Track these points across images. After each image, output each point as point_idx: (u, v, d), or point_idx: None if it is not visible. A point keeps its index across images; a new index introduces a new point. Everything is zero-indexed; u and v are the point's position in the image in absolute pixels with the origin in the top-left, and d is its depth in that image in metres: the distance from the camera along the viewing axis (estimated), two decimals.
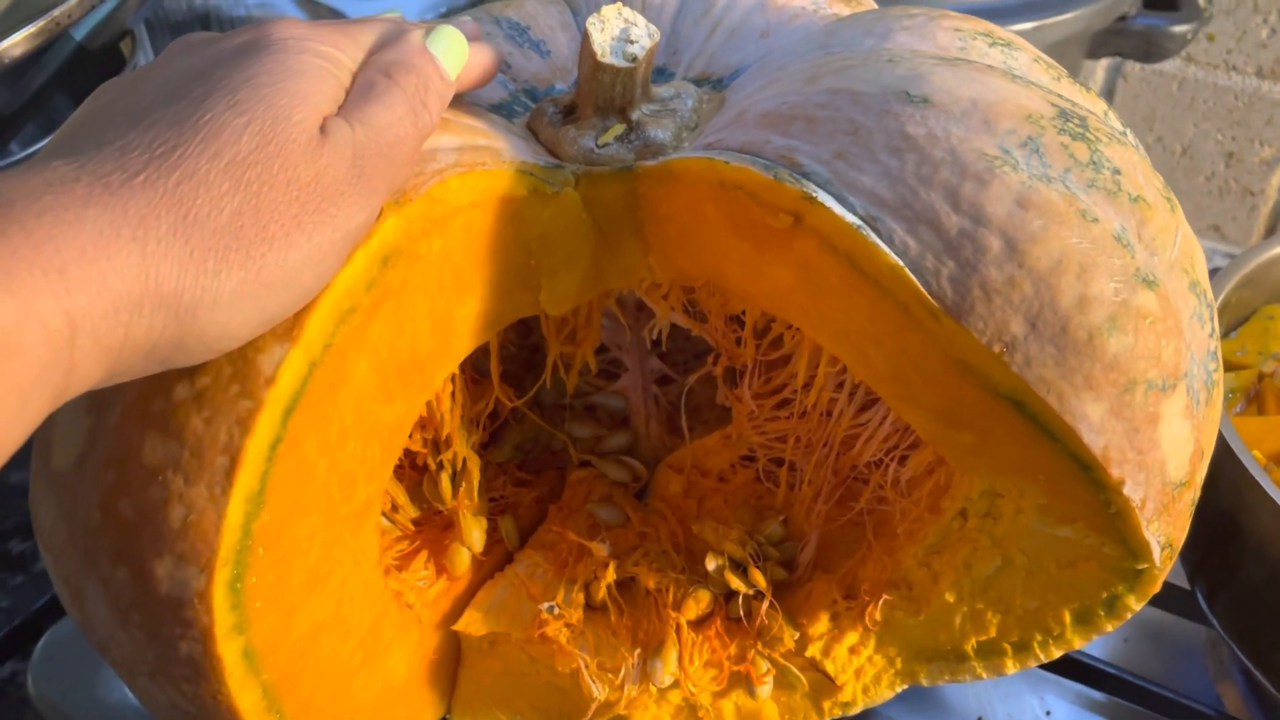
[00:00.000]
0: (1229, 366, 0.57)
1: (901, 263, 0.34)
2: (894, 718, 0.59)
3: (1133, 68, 1.01)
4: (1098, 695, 0.58)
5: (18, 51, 0.57)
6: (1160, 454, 0.36)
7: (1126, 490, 0.35)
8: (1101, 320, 0.34)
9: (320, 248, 0.30)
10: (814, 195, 0.35)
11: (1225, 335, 0.59)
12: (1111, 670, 0.56)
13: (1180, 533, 0.38)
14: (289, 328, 0.32)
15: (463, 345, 0.40)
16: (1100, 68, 1.03)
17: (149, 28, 0.85)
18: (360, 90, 0.33)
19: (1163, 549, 0.38)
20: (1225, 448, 0.47)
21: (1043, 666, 0.58)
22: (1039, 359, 0.34)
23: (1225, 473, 0.48)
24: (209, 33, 0.34)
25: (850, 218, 0.35)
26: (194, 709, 0.35)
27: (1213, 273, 0.57)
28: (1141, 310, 0.34)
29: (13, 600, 0.64)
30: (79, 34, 0.66)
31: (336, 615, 0.38)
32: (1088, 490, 0.36)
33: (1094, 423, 0.34)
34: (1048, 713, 0.58)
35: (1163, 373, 0.35)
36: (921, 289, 0.34)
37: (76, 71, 0.67)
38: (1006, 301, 0.34)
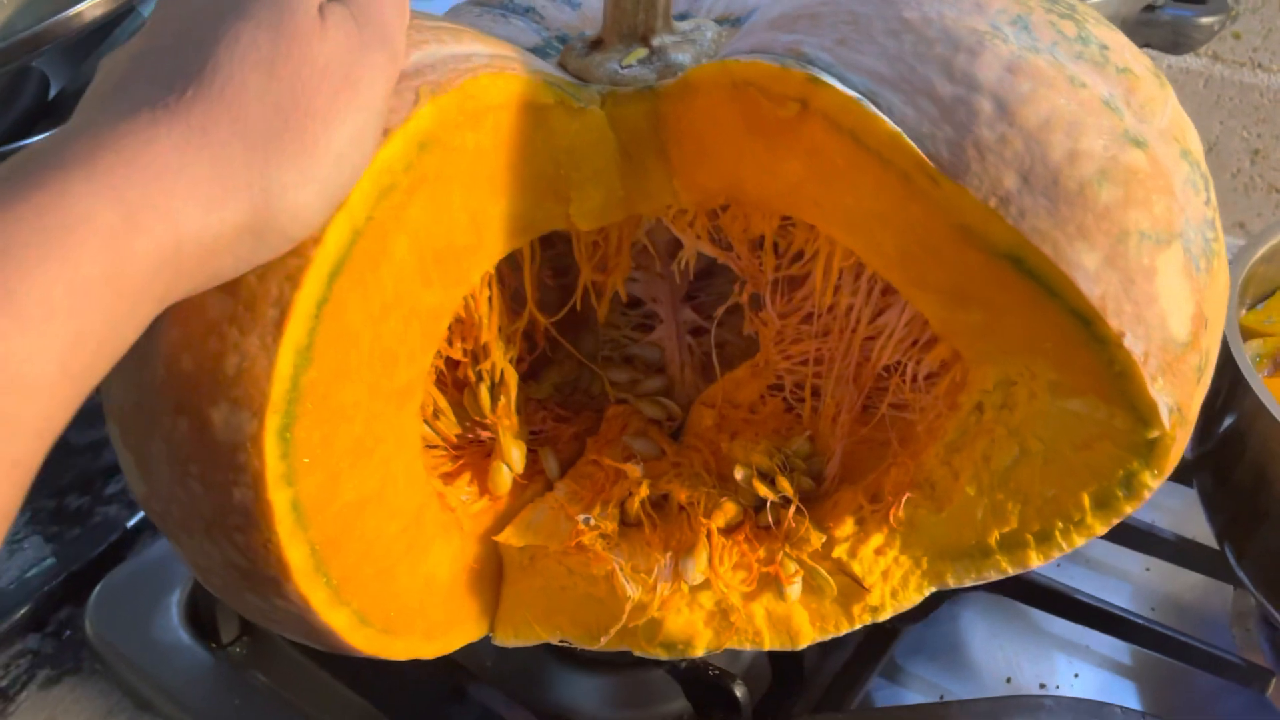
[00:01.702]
0: (1256, 335, 0.59)
1: (900, 130, 0.37)
2: (926, 677, 0.60)
3: (1160, 65, 1.03)
4: (1125, 659, 0.58)
5: (92, 15, 0.59)
6: (1159, 309, 0.37)
7: (1127, 343, 0.37)
8: (1091, 173, 0.36)
9: (355, 122, 0.33)
10: (818, 76, 0.38)
11: (1251, 308, 0.61)
12: (1138, 620, 0.56)
13: (1189, 399, 0.39)
14: None
15: (497, 244, 0.43)
16: None
17: None
18: None
19: (1171, 412, 0.39)
20: (1255, 404, 0.49)
21: (1076, 620, 0.59)
22: (1032, 210, 0.36)
23: (1255, 429, 0.49)
24: None
25: (851, 93, 0.38)
26: (246, 562, 0.38)
27: (1234, 257, 0.59)
28: (1131, 166, 0.36)
29: (69, 550, 0.67)
30: (146, 10, 0.70)
31: (380, 494, 0.41)
32: (1091, 350, 0.38)
33: (1089, 271, 0.36)
34: (1076, 675, 0.58)
35: (1155, 225, 0.36)
36: (920, 153, 0.37)
37: None
38: (999, 158, 0.36)
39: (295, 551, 0.37)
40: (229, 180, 0.30)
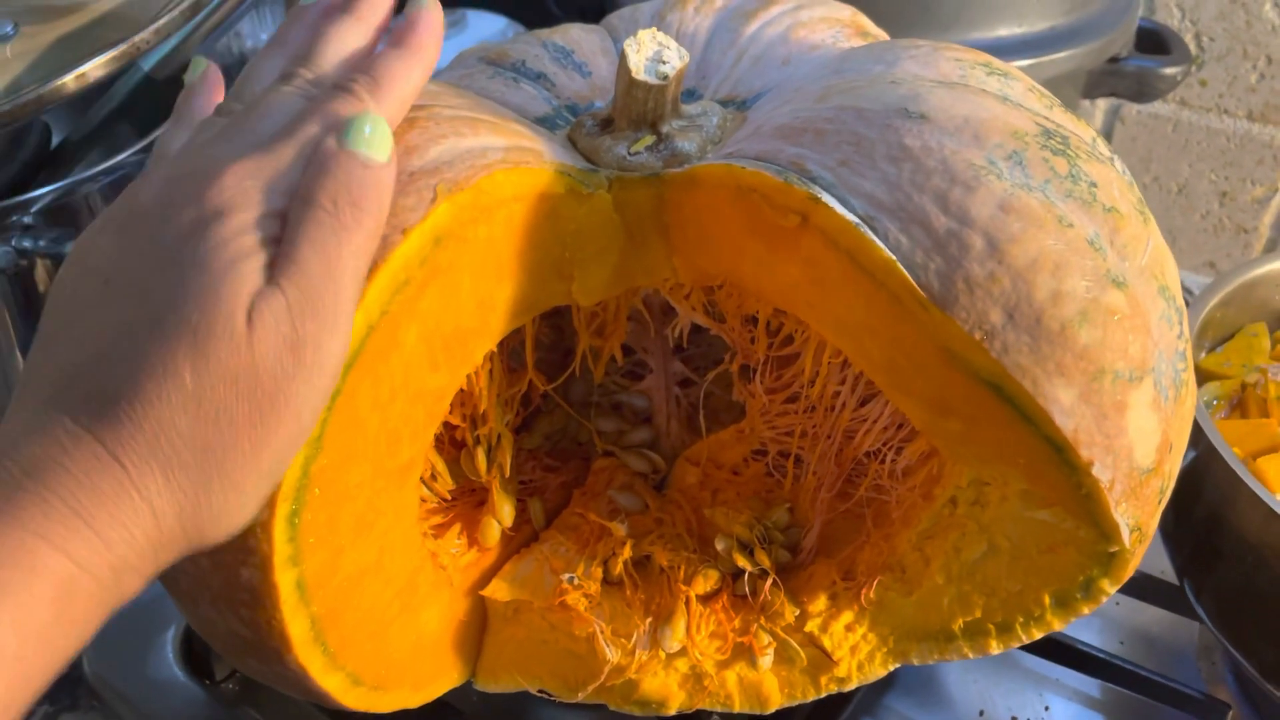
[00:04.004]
0: (1215, 377, 0.61)
1: (895, 257, 0.39)
2: (900, 710, 0.63)
3: (1129, 111, 1.06)
4: (1095, 692, 0.61)
5: (97, 75, 0.60)
6: (1127, 440, 0.39)
7: (1095, 471, 0.39)
8: (1073, 314, 0.38)
9: (285, 436, 0.33)
10: (819, 196, 0.40)
11: (1210, 350, 0.63)
12: (1103, 655, 0.59)
13: (1149, 518, 0.42)
14: None
15: (501, 325, 0.44)
16: (1098, 110, 1.08)
17: None
18: (288, 235, 0.34)
19: (1132, 531, 0.41)
20: (1210, 448, 0.51)
21: (1044, 656, 0.61)
22: (1015, 346, 0.38)
23: (1211, 471, 0.52)
24: (135, 209, 0.35)
25: (851, 217, 0.39)
26: (249, 634, 0.39)
27: (1195, 299, 0.61)
28: (1110, 307, 0.38)
29: None
30: (147, 64, 0.70)
31: (378, 563, 0.43)
32: (1061, 473, 0.40)
33: (1065, 406, 0.38)
34: (1046, 708, 0.61)
35: (1130, 365, 0.38)
36: (912, 281, 0.38)
37: (141, 101, 0.71)
38: (987, 294, 0.38)
39: (297, 626, 0.39)
40: (166, 524, 0.32)
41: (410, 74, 0.38)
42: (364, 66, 0.38)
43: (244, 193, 0.34)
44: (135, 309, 0.33)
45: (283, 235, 0.34)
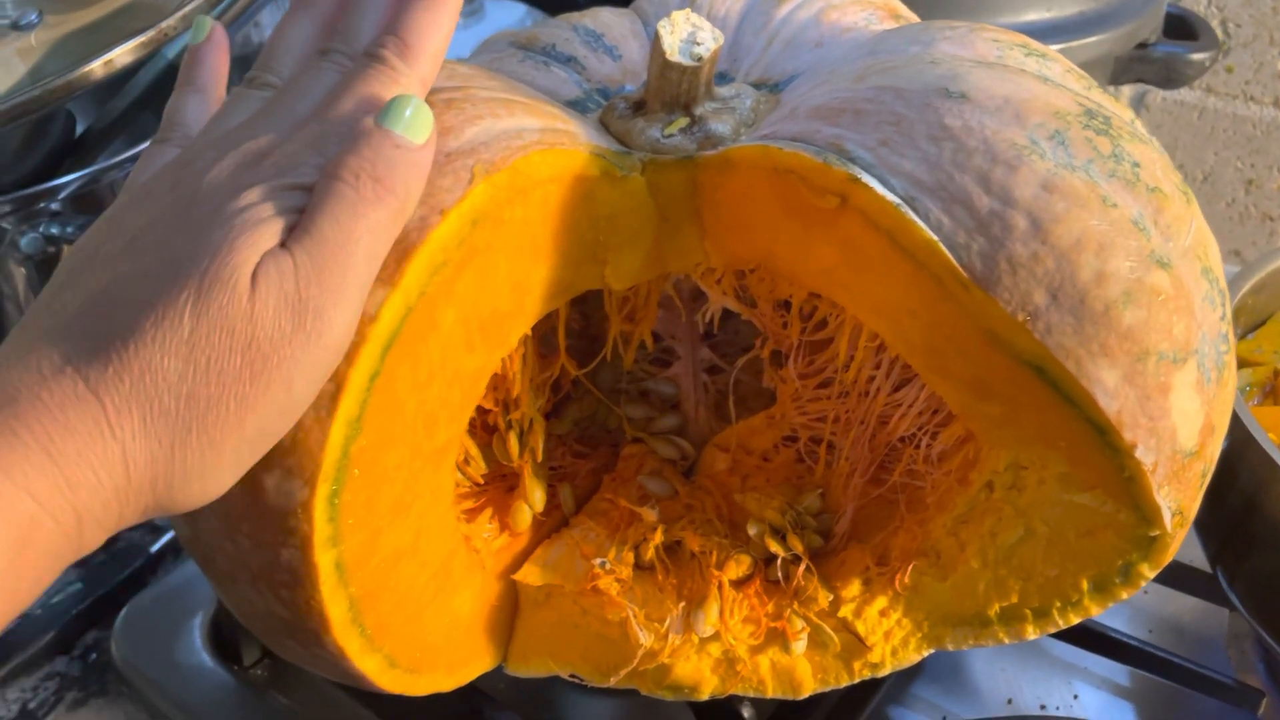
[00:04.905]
0: (1247, 364, 0.61)
1: (936, 238, 0.38)
2: (928, 699, 0.62)
3: (1155, 97, 1.05)
4: (1123, 680, 0.61)
5: (124, 61, 0.61)
6: (1171, 422, 0.39)
7: (1138, 454, 0.39)
8: (1117, 294, 0.37)
9: (273, 401, 0.32)
10: (859, 177, 0.39)
11: (1242, 337, 0.63)
12: (1134, 642, 0.59)
13: (1191, 501, 0.41)
14: (390, 274, 0.37)
15: (536, 308, 0.44)
16: (1124, 97, 1.08)
17: None
18: (310, 205, 0.34)
19: (1173, 515, 0.41)
20: (1245, 434, 0.51)
21: (1073, 643, 0.61)
22: (1059, 327, 0.37)
23: (1245, 458, 0.51)
24: (165, 160, 0.37)
25: (891, 197, 0.39)
26: (288, 614, 0.39)
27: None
28: (1155, 288, 0.38)
29: (95, 575, 0.68)
30: (170, 53, 0.70)
31: (415, 545, 0.43)
32: (1103, 455, 0.40)
33: (1108, 388, 0.38)
34: (1075, 696, 0.61)
35: (1174, 346, 0.38)
36: (954, 262, 0.38)
37: (164, 90, 0.72)
38: (1030, 275, 0.37)
39: (336, 607, 0.39)
40: (135, 472, 0.31)
41: (439, 24, 0.38)
42: (392, 26, 0.37)
43: (277, 169, 0.34)
44: (154, 260, 0.33)
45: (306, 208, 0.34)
